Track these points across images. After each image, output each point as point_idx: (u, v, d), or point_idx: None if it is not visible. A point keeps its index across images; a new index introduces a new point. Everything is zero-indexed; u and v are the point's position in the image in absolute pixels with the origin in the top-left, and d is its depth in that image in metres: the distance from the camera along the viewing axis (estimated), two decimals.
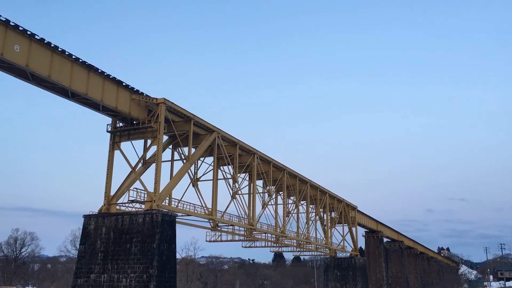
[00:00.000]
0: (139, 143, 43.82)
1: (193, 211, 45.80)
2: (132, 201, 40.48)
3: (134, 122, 42.41)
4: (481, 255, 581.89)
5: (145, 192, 40.13)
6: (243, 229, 56.99)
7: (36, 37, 32.40)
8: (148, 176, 42.72)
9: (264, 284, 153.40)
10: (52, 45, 33.61)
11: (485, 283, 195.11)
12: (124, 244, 38.28)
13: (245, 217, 54.58)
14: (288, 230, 66.57)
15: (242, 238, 60.88)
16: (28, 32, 31.93)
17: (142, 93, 41.70)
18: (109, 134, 43.14)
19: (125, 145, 43.25)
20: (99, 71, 37.83)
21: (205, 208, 47.09)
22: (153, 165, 41.86)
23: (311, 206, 78.09)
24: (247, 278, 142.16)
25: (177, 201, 44.82)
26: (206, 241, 59.31)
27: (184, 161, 45.49)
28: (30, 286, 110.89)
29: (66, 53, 34.84)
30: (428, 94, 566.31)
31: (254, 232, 58.54)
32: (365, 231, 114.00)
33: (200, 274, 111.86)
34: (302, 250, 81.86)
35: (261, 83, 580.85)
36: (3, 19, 30.32)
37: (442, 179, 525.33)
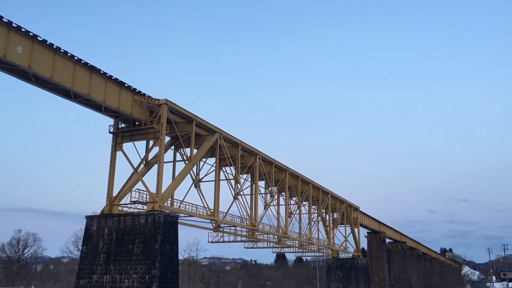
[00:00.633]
0: (141, 144, 43.91)
1: (195, 212, 45.79)
2: (134, 202, 40.49)
3: (136, 123, 42.43)
4: (484, 256, 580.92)
5: (147, 193, 40.12)
6: (245, 230, 56.96)
7: (38, 38, 32.43)
8: (150, 177, 42.82)
9: (266, 285, 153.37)
10: (54, 46, 33.64)
11: (488, 284, 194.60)
12: (126, 245, 38.29)
13: (247, 218, 54.54)
14: (290, 231, 66.48)
15: (244, 239, 60.87)
16: (31, 34, 31.96)
17: (144, 94, 41.73)
18: (111, 135, 43.16)
19: (127, 146, 43.33)
20: (101, 72, 37.86)
21: (207, 209, 47.07)
22: (155, 166, 41.91)
23: (313, 206, 77.94)
24: (249, 279, 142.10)
25: (179, 202, 44.85)
26: (208, 242, 59.35)
27: (186, 162, 45.47)
28: (33, 287, 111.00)
29: (69, 54, 34.88)
30: (429, 94, 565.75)
31: (256, 233, 58.50)
32: (367, 232, 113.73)
33: (202, 275, 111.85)
34: (304, 251, 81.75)
35: (262, 84, 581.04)
36: (6, 21, 30.38)
37: (444, 179, 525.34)
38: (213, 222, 49.40)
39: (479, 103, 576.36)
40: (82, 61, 36.04)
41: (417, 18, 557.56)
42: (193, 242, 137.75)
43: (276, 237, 64.38)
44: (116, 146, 42.83)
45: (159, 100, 41.41)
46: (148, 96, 41.85)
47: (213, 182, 50.31)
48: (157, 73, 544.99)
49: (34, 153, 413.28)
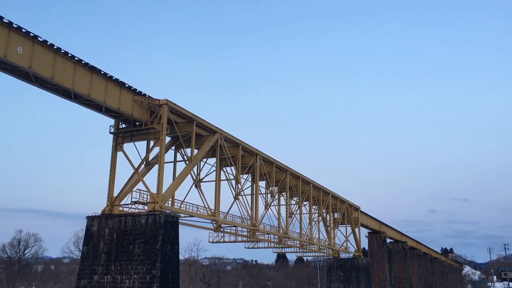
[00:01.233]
0: (141, 144, 43.90)
1: (196, 212, 45.81)
2: (135, 202, 40.50)
3: (137, 123, 42.45)
4: (485, 256, 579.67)
5: (148, 193, 40.14)
6: (246, 230, 56.96)
7: (39, 39, 32.44)
8: (151, 177, 42.81)
9: (267, 285, 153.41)
10: (55, 47, 33.65)
11: (489, 284, 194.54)
12: (127, 245, 38.30)
13: (248, 218, 54.55)
14: (291, 231, 66.49)
15: (245, 239, 60.87)
16: (31, 34, 31.97)
17: (144, 95, 41.75)
18: (111, 136, 43.18)
19: (127, 146, 43.33)
20: (102, 72, 37.87)
21: (208, 209, 47.08)
22: (156, 166, 41.91)
23: (314, 206, 77.95)
24: (250, 279, 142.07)
25: (180, 202, 44.86)
26: (209, 242, 59.34)
27: (187, 162, 45.49)
28: None
29: (69, 54, 34.89)
30: (429, 94, 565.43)
31: (257, 233, 58.47)
32: (368, 232, 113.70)
33: (203, 275, 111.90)
34: (305, 251, 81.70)
35: (263, 84, 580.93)
36: (6, 21, 30.39)
37: (445, 179, 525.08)
38: (213, 222, 49.40)
39: (479, 103, 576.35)
40: (83, 62, 36.05)
41: (417, 18, 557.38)
42: (194, 242, 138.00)
43: (276, 237, 64.37)
44: (117, 146, 42.84)
45: (159, 100, 41.43)
46: (149, 96, 41.87)
47: (214, 182, 50.31)
48: (157, 73, 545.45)
49: (34, 153, 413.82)
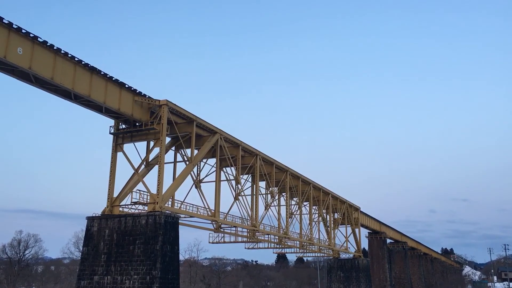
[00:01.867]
0: (142, 145, 43.91)
1: (196, 212, 45.80)
2: (135, 203, 40.50)
3: (137, 124, 42.45)
4: (485, 256, 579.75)
5: (148, 194, 40.14)
6: (246, 230, 56.93)
7: (39, 39, 32.45)
8: (151, 178, 42.82)
9: (267, 285, 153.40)
10: (55, 48, 33.66)
11: (489, 284, 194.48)
12: (127, 245, 38.28)
13: (248, 218, 54.54)
14: (291, 231, 66.48)
15: (245, 239, 60.85)
16: (31, 35, 31.98)
17: (144, 95, 41.74)
18: (111, 136, 43.18)
19: (128, 147, 43.32)
20: (102, 73, 37.87)
21: (208, 210, 47.07)
22: (156, 167, 41.90)
23: (314, 207, 77.95)
24: (250, 279, 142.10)
25: (180, 202, 44.85)
26: (209, 242, 59.31)
27: (187, 162, 45.50)
28: None
29: (69, 55, 34.90)
30: (429, 94, 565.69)
31: (257, 234, 58.46)
32: (368, 232, 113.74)
33: (203, 276, 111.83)
34: (305, 251, 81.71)
35: (263, 84, 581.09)
36: (6, 22, 30.40)
37: (444, 179, 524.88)
38: (213, 222, 49.40)
39: (479, 103, 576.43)
40: (83, 62, 36.06)
41: (417, 18, 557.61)
42: (194, 242, 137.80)
43: (277, 237, 64.36)
44: (117, 147, 42.84)
45: (159, 101, 41.43)
46: (149, 97, 41.87)
47: (214, 182, 50.29)
48: (157, 73, 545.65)
49: (35, 154, 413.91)
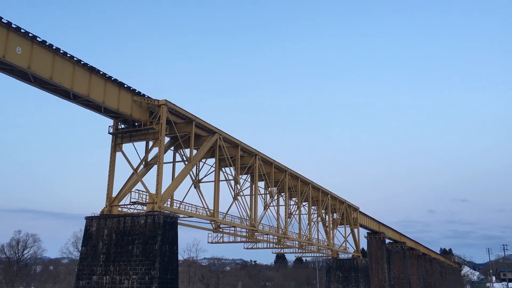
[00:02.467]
0: (141, 145, 43.88)
1: (195, 212, 45.79)
2: (134, 203, 40.47)
3: (136, 124, 42.41)
4: (484, 256, 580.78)
5: (147, 194, 40.12)
6: (245, 230, 56.94)
7: (38, 39, 32.41)
8: (150, 178, 42.78)
9: (266, 285, 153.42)
10: (54, 47, 33.61)
11: (488, 284, 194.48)
12: (126, 245, 38.25)
13: (247, 218, 54.53)
14: (290, 232, 66.46)
15: (244, 239, 60.84)
16: (30, 34, 31.94)
17: (143, 95, 41.71)
18: (110, 136, 43.14)
19: (127, 147, 43.29)
20: (101, 73, 37.83)
21: (207, 210, 47.06)
22: (155, 167, 41.84)
23: (313, 207, 77.95)
24: (249, 279, 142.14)
25: (179, 202, 44.85)
26: (208, 242, 59.35)
27: (186, 162, 45.48)
28: None
29: (68, 55, 34.87)
30: (429, 94, 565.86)
31: (256, 234, 58.47)
32: (367, 232, 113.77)
33: (202, 276, 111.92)
34: (304, 251, 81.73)
35: (262, 84, 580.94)
36: (5, 21, 30.36)
37: (443, 180, 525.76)
38: (212, 222, 49.38)
39: (479, 103, 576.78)
40: (82, 62, 36.02)
41: (417, 18, 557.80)
42: (193, 242, 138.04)
43: (276, 237, 64.35)
44: (116, 146, 42.80)
45: (158, 100, 41.39)
46: (148, 96, 41.84)
47: (213, 182, 50.28)
48: (157, 73, 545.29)
49: (34, 154, 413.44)
